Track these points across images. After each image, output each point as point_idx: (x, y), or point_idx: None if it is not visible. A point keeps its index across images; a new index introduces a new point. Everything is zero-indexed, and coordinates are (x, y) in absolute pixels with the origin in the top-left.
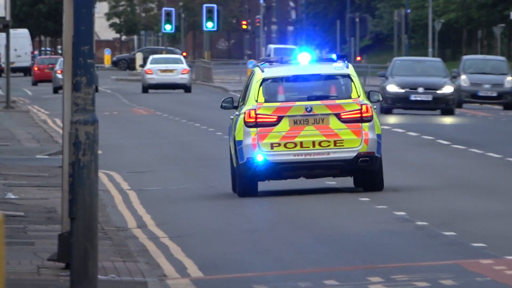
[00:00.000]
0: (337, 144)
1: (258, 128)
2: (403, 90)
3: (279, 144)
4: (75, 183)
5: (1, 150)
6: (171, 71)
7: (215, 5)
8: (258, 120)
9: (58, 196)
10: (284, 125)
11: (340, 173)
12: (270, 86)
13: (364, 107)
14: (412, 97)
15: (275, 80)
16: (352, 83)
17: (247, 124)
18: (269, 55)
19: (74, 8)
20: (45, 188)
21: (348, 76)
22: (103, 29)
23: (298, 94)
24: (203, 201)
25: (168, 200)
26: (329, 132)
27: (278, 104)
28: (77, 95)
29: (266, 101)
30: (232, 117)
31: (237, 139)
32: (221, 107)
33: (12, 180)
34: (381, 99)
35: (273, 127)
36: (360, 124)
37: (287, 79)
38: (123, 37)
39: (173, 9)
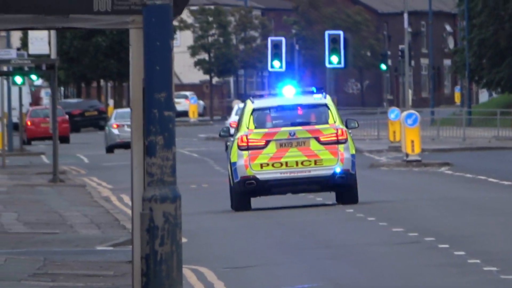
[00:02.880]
0: (317, 163)
1: (250, 151)
2: None
3: (268, 164)
4: (150, 284)
5: (47, 240)
6: None
7: (341, 32)
8: (249, 144)
9: None
10: (272, 148)
11: (320, 188)
12: (259, 115)
13: (339, 131)
14: None
15: (264, 109)
16: (329, 110)
17: (240, 148)
18: None
19: (145, 40)
20: None
21: (325, 105)
22: (186, 69)
23: (283, 121)
24: None
25: None
26: (309, 153)
27: (266, 130)
28: (152, 161)
29: (256, 128)
30: (228, 143)
31: (232, 161)
32: (219, 135)
33: (63, 282)
34: (357, 126)
35: (262, 149)
36: (336, 145)
37: (274, 109)
38: (215, 79)
39: (283, 38)
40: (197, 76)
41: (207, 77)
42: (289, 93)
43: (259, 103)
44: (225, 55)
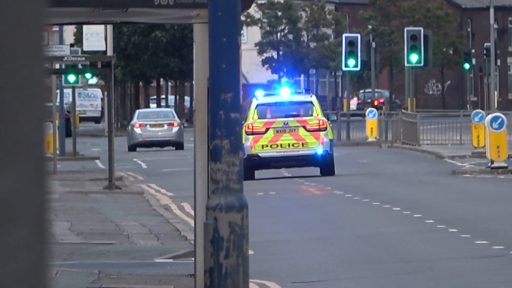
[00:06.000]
0: (304, 145)
1: (254, 135)
2: None
3: (267, 145)
4: None
5: (102, 252)
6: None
7: (421, 29)
8: (254, 130)
9: None
10: (270, 133)
11: (306, 164)
12: (262, 109)
13: (321, 121)
14: None
15: (265, 105)
16: (314, 106)
17: (246, 133)
18: None
19: (211, 36)
20: None
21: (311, 102)
22: (253, 68)
23: (279, 113)
24: None
25: None
26: (298, 137)
27: (266, 120)
28: (217, 167)
29: (259, 118)
30: None
31: None
32: None
33: None
34: (335, 118)
35: (263, 134)
36: (318, 132)
37: (272, 104)
38: (284, 79)
39: (358, 35)
40: (265, 75)
41: (275, 76)
42: (284, 93)
43: (262, 100)
44: (295, 53)
